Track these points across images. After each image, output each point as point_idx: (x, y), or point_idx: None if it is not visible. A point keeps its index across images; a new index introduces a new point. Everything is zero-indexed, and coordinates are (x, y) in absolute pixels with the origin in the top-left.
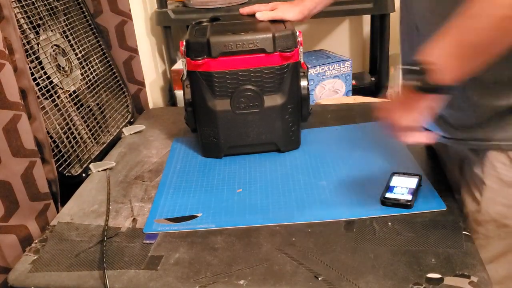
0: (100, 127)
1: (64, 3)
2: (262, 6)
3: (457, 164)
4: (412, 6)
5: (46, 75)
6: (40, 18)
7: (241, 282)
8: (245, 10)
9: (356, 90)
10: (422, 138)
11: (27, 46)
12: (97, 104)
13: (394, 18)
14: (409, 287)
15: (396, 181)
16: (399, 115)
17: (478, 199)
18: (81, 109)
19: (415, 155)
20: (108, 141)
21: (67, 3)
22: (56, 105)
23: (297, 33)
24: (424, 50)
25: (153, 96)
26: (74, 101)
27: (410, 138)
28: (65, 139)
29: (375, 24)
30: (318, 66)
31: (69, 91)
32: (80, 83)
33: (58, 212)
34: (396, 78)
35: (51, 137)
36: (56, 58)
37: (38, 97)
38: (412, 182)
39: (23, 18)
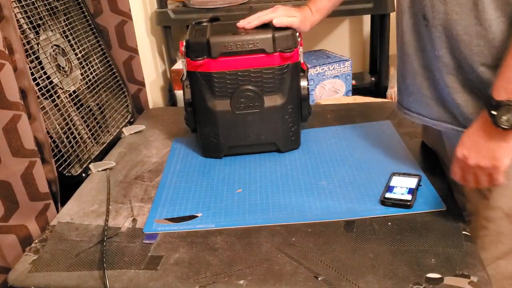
0: (100, 127)
1: (64, 3)
2: (260, 13)
3: None
4: None
5: (46, 75)
6: (40, 18)
7: (241, 282)
8: (252, 23)
9: (356, 90)
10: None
11: (27, 46)
12: (97, 104)
13: (394, 18)
14: (409, 287)
15: (396, 181)
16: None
17: (487, 194)
18: (81, 109)
19: (415, 155)
20: (108, 141)
21: (67, 3)
22: (56, 105)
23: (297, 33)
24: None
25: (153, 96)
26: (74, 101)
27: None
28: (65, 139)
29: (375, 24)
30: (318, 66)
31: (69, 91)
32: (80, 83)
33: (58, 212)
34: None
35: (51, 137)
36: (56, 58)
37: (38, 97)
38: (412, 182)
39: (23, 18)
